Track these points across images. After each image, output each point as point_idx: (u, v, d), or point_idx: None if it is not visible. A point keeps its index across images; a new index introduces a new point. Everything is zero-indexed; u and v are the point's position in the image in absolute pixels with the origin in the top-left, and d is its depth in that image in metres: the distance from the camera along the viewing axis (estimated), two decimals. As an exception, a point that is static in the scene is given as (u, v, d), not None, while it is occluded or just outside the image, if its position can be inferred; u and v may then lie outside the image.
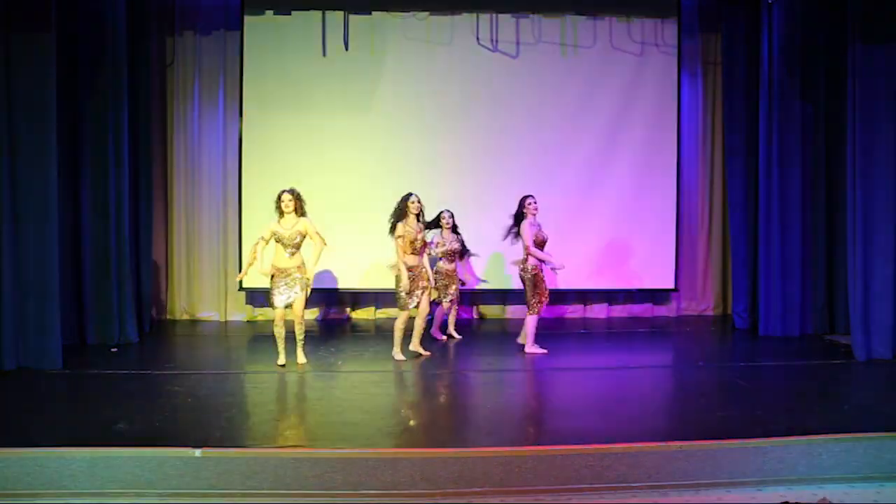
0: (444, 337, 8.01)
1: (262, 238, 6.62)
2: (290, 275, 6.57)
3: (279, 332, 6.69)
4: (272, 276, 6.62)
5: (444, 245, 7.77)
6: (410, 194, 6.93)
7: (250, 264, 6.65)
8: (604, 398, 5.89)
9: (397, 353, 7.01)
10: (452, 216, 7.84)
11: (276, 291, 6.59)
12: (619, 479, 4.49)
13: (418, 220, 6.94)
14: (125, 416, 5.16)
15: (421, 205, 6.92)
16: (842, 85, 7.46)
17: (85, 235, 7.50)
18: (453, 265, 7.84)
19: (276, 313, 6.64)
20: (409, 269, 6.88)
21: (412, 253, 6.88)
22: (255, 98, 8.89)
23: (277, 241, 6.59)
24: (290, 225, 6.56)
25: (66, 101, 7.23)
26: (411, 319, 7.06)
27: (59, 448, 4.49)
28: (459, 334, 8.07)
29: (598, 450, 4.55)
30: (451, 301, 7.87)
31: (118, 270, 7.54)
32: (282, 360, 6.74)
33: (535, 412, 5.72)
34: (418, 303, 6.93)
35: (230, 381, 6.36)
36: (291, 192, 6.61)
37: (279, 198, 6.60)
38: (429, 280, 6.99)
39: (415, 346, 7.15)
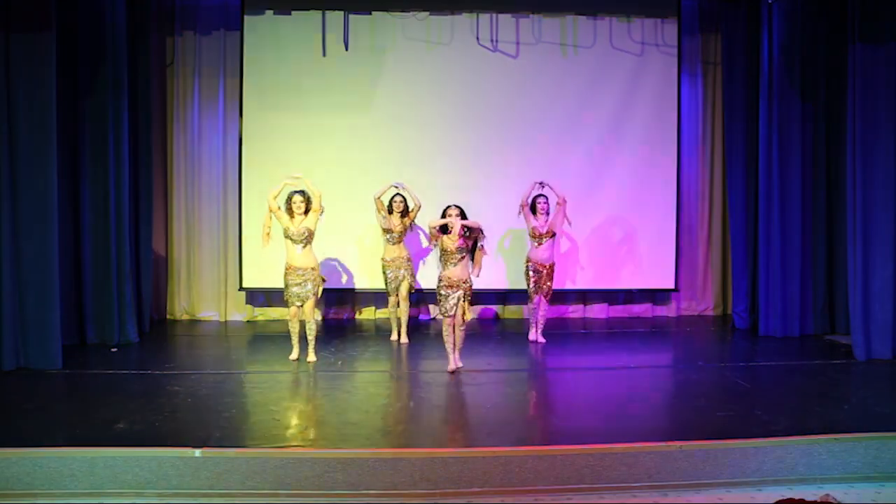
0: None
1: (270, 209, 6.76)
2: (303, 274, 6.74)
3: (293, 328, 6.93)
4: (286, 274, 6.81)
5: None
6: (395, 195, 7.79)
7: (267, 232, 6.72)
8: (604, 398, 5.88)
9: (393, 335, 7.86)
10: (462, 213, 6.48)
11: (289, 290, 6.78)
12: (620, 479, 4.49)
13: (401, 216, 7.78)
14: (125, 416, 5.16)
15: (405, 205, 7.79)
16: (842, 85, 7.47)
17: (85, 235, 7.49)
18: (455, 268, 6.40)
19: (290, 311, 6.89)
20: (390, 260, 7.77)
21: (390, 244, 7.76)
22: (255, 98, 8.88)
23: (287, 237, 6.76)
24: (299, 221, 6.75)
25: (66, 101, 7.22)
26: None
27: (59, 448, 4.49)
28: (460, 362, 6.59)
29: (598, 450, 4.55)
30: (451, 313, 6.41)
31: (118, 270, 7.53)
32: (293, 355, 6.93)
33: (536, 412, 5.72)
34: (397, 292, 7.74)
35: (230, 381, 6.36)
36: (302, 193, 6.78)
37: (290, 199, 6.77)
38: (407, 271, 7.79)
39: (400, 336, 7.77)
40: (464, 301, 6.39)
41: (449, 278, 6.38)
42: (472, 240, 6.40)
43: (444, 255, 6.40)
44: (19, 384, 6.10)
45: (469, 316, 6.52)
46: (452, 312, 6.37)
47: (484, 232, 6.44)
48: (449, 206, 6.54)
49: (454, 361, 6.49)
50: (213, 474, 4.39)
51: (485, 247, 6.49)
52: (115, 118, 7.50)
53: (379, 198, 7.73)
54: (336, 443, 4.72)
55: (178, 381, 6.20)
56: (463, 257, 6.38)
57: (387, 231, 7.78)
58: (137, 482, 4.38)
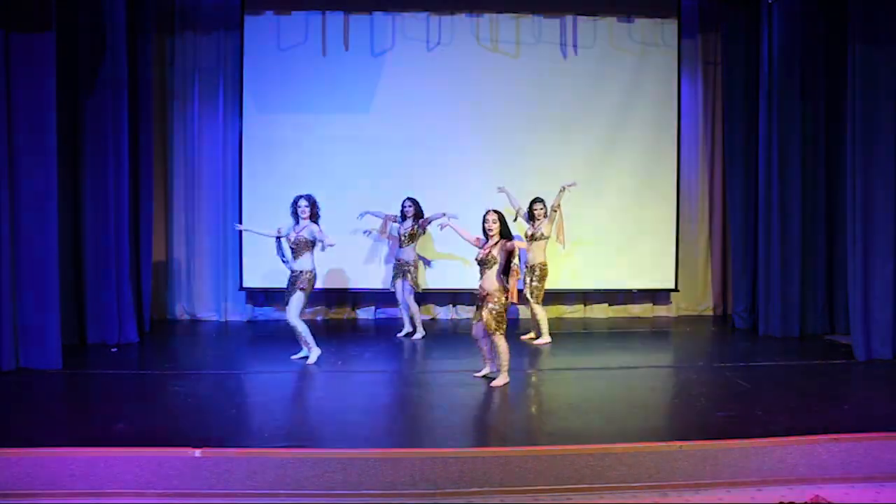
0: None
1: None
2: (296, 278, 6.78)
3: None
4: None
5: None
6: (405, 199, 7.98)
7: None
8: (604, 398, 5.88)
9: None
10: (500, 218, 6.08)
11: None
12: (620, 479, 4.49)
13: (414, 221, 7.90)
14: (125, 416, 5.16)
15: (415, 208, 7.90)
16: (842, 85, 7.46)
17: (85, 235, 7.50)
18: (481, 280, 6.13)
19: None
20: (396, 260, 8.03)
21: (401, 247, 7.98)
22: (255, 98, 8.88)
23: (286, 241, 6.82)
24: (301, 228, 6.74)
25: (66, 100, 7.23)
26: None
27: (59, 448, 4.49)
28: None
29: (598, 450, 4.55)
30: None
31: (118, 270, 7.53)
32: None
33: (536, 412, 5.72)
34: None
35: (230, 381, 6.36)
36: (308, 197, 6.78)
37: (295, 203, 6.75)
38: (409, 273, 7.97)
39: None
40: (486, 312, 5.98)
41: (479, 287, 6.10)
42: (502, 256, 5.96)
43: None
44: (19, 384, 6.10)
45: (492, 327, 5.99)
46: (474, 321, 6.18)
47: (516, 253, 5.93)
48: (488, 212, 6.06)
49: (486, 369, 6.34)
50: (213, 474, 4.39)
51: (516, 269, 5.91)
52: (114, 118, 7.50)
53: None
54: (336, 443, 4.72)
55: (178, 381, 6.20)
56: (485, 270, 6.00)
57: (401, 236, 8.02)
58: (137, 482, 4.38)
